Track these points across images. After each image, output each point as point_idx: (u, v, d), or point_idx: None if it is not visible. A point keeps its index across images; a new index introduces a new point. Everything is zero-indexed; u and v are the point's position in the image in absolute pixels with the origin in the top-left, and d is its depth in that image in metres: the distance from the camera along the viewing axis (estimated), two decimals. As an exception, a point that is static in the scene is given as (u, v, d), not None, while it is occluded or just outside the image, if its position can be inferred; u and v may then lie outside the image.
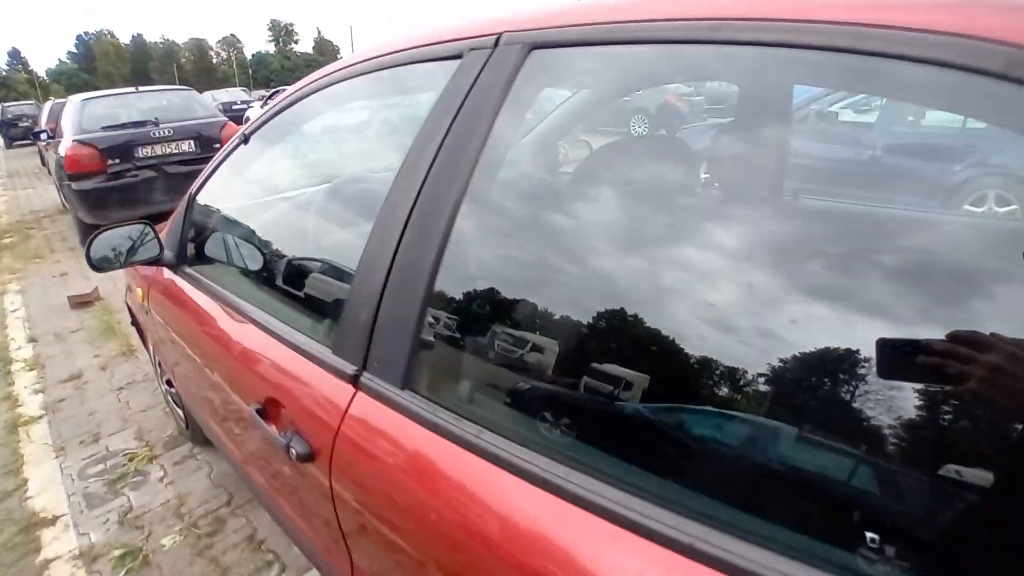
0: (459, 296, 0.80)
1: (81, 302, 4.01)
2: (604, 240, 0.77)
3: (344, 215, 1.40)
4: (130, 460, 2.32)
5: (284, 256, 1.27)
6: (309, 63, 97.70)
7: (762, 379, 0.54)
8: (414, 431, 0.74)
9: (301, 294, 1.13)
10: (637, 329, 0.63)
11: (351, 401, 0.84)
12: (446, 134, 0.80)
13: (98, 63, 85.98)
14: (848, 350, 0.51)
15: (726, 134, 1.12)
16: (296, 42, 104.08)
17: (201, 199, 1.53)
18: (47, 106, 10.86)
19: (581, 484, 0.58)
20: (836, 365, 0.51)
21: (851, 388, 0.49)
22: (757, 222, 0.70)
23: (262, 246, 1.32)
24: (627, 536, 0.53)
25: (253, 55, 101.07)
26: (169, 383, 2.20)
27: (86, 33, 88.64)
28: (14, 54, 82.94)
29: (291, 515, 1.14)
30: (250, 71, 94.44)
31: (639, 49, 0.71)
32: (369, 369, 0.83)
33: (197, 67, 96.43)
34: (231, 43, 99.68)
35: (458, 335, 0.80)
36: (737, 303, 0.59)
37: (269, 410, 1.01)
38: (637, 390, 0.62)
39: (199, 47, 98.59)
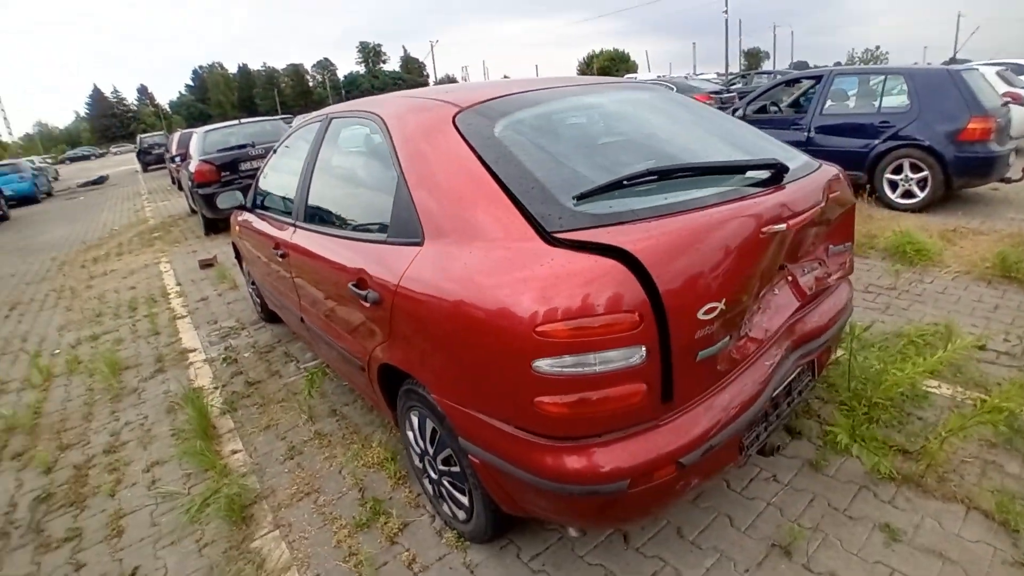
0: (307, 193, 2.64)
1: (206, 264, 6.33)
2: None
3: (294, 174, 3.20)
4: (232, 329, 4.40)
5: (281, 194, 3.19)
6: (395, 80, 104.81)
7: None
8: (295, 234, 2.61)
9: (283, 206, 3.04)
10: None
11: (294, 232, 2.71)
12: (318, 142, 2.66)
13: (211, 93, 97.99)
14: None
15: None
16: (384, 61, 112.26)
17: (261, 176, 3.52)
18: (176, 136, 14.10)
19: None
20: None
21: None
22: None
23: (277, 193, 3.26)
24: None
25: (345, 76, 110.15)
26: (253, 283, 4.24)
27: (200, 67, 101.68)
28: (142, 90, 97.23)
29: (289, 296, 3.03)
30: (343, 91, 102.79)
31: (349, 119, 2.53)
32: (296, 219, 2.70)
33: (295, 91, 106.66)
34: (325, 66, 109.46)
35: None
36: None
37: (277, 248, 2.90)
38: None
39: (296, 72, 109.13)
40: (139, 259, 7.41)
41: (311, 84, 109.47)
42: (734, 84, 17.27)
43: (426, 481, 2.11)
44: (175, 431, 3.00)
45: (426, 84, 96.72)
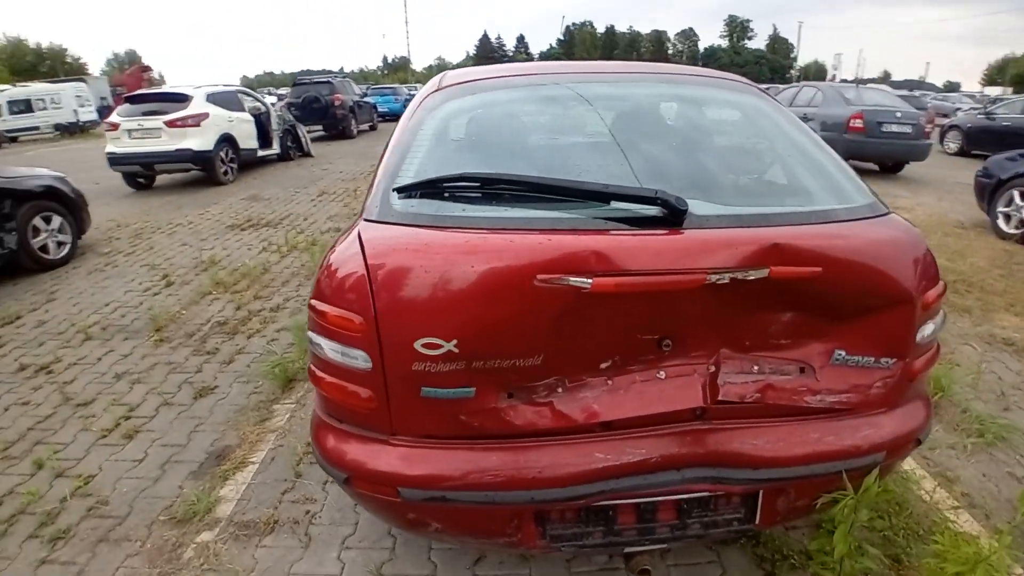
0: None
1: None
2: None
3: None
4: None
5: None
6: (758, 59, 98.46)
7: None
8: None
9: None
10: None
11: None
12: None
13: (576, 48, 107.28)
14: None
15: None
16: (750, 38, 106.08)
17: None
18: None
19: None
20: None
21: None
22: None
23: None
24: None
25: (705, 48, 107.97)
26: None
27: (573, 24, 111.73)
28: (520, 39, 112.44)
29: None
30: (699, 63, 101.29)
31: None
32: None
33: (654, 56, 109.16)
34: (688, 36, 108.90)
35: None
36: None
37: None
38: None
39: (658, 39, 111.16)
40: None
41: (670, 52, 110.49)
42: None
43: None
44: (311, 312, 3.93)
45: (791, 67, 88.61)
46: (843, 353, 1.42)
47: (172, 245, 5.76)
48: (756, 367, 1.40)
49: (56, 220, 5.14)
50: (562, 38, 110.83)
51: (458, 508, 1.36)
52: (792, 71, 71.89)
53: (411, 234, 1.33)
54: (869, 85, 14.14)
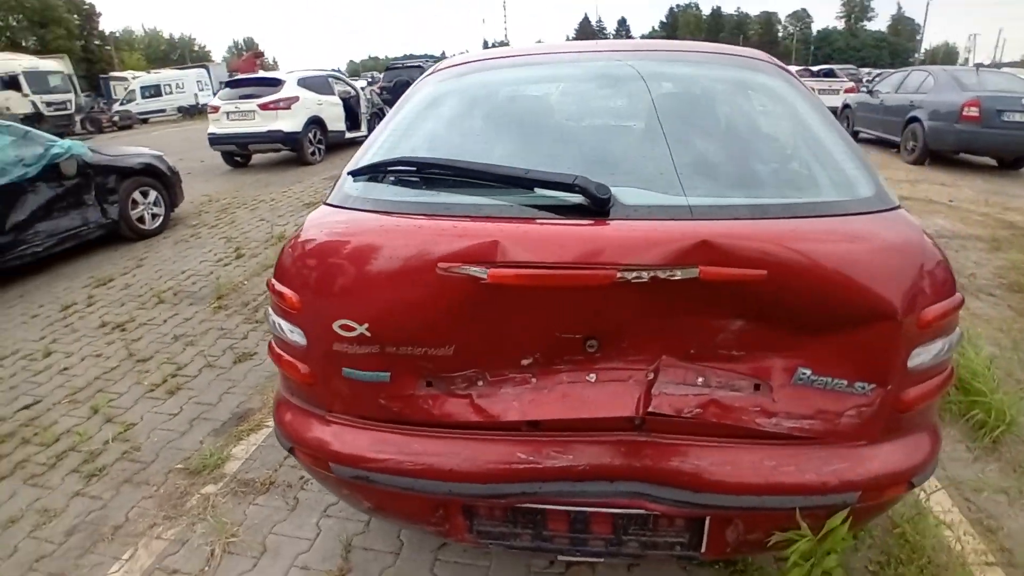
0: None
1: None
2: None
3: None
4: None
5: None
6: (878, 42, 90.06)
7: None
8: None
9: None
10: None
11: None
12: None
13: (680, 31, 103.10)
14: None
15: None
16: (870, 19, 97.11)
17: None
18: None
19: None
20: None
21: None
22: None
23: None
24: None
25: (819, 31, 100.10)
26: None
27: (677, 6, 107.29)
28: (621, 22, 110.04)
29: None
30: (812, 47, 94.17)
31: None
32: None
33: (762, 39, 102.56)
34: (800, 18, 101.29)
35: None
36: None
37: None
38: None
39: (768, 20, 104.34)
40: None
41: (780, 35, 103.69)
42: None
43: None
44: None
45: (915, 49, 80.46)
46: (808, 372, 1.22)
47: (251, 220, 6.20)
48: (701, 379, 1.24)
49: (152, 194, 5.69)
50: (665, 21, 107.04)
51: (382, 490, 1.36)
52: (916, 55, 64.82)
53: (345, 217, 1.36)
54: (1003, 69, 12.50)
